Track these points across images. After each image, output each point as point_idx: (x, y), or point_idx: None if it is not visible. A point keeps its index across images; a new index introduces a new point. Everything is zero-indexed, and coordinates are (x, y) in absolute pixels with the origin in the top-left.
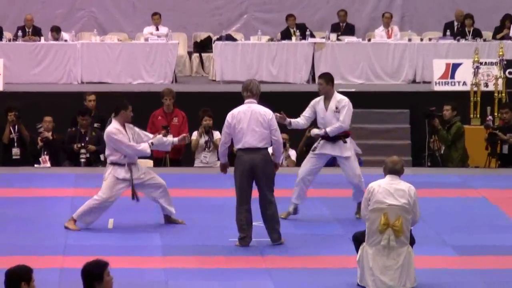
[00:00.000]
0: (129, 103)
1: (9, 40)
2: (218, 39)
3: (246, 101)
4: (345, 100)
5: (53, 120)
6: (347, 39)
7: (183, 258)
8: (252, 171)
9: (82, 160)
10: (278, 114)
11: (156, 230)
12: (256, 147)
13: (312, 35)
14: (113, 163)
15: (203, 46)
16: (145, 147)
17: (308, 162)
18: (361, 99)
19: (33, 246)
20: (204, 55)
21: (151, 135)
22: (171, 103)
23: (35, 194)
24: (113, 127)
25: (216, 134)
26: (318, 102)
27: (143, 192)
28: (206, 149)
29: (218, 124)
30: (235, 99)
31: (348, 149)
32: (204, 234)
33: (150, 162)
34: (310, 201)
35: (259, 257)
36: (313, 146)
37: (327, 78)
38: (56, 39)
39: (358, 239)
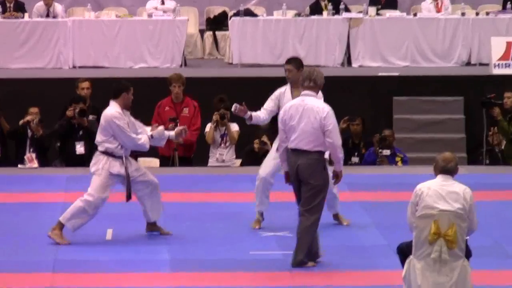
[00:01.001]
0: (130, 85)
1: None
2: (235, 15)
3: (303, 92)
4: None
5: (40, 111)
6: (388, 13)
7: (196, 274)
8: (297, 177)
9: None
10: (238, 105)
11: (163, 241)
12: (302, 149)
13: (347, 9)
14: (108, 153)
15: (218, 23)
16: (145, 140)
17: (271, 162)
18: (406, 85)
19: (17, 261)
20: (218, 33)
21: (146, 127)
22: (180, 91)
23: (19, 200)
24: (115, 110)
25: (233, 126)
26: (283, 92)
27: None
28: (222, 144)
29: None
30: (255, 86)
31: None
32: (220, 246)
33: (155, 162)
34: (347, 206)
35: (286, 273)
36: (278, 145)
37: (298, 63)
38: (48, 9)
39: (404, 251)
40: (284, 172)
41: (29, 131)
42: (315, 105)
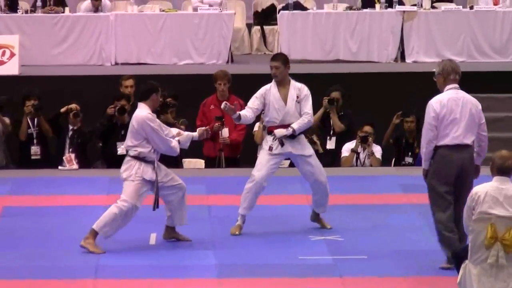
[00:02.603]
0: (159, 85)
1: (26, 12)
2: (284, 8)
3: (450, 86)
4: (306, 87)
5: (81, 109)
6: (444, 6)
7: (243, 280)
8: (458, 175)
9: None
10: (228, 104)
11: (209, 245)
12: (465, 144)
13: (401, 2)
14: (140, 159)
15: (266, 17)
16: (176, 144)
17: (266, 164)
18: (461, 81)
19: (58, 267)
20: (266, 28)
21: (173, 130)
22: (226, 89)
23: (59, 203)
24: (147, 112)
25: None
26: (269, 90)
27: (160, 194)
28: None
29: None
30: (305, 82)
31: (309, 146)
32: (268, 251)
33: (201, 162)
34: (398, 208)
35: (337, 279)
36: (269, 146)
37: (284, 59)
38: (97, 7)
39: (459, 256)
40: (424, 170)
41: (70, 128)
42: (471, 98)
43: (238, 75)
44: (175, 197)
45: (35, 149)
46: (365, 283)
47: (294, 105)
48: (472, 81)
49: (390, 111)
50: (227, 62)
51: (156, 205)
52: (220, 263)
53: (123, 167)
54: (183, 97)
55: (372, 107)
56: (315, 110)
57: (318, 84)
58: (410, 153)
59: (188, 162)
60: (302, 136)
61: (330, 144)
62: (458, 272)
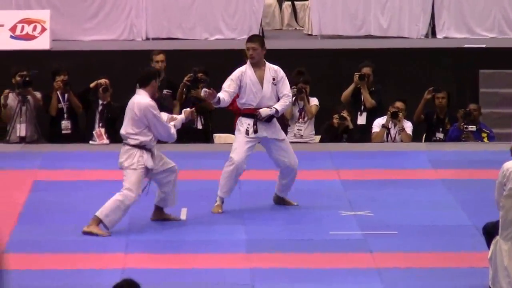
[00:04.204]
0: (157, 71)
1: None
2: None
3: None
4: (281, 69)
5: (111, 85)
6: None
7: (273, 255)
8: None
9: None
10: (207, 90)
11: (239, 221)
12: None
13: None
14: (141, 147)
15: None
16: (174, 130)
17: (244, 147)
18: (492, 57)
19: (89, 240)
20: (297, 3)
21: (162, 114)
22: None
23: (89, 177)
24: (149, 99)
25: (312, 101)
26: (245, 72)
27: (152, 178)
28: (300, 119)
29: (316, 88)
30: (336, 58)
31: (281, 131)
32: (298, 226)
33: (232, 137)
34: (428, 184)
35: (368, 254)
36: (245, 129)
37: (261, 41)
38: None
39: (490, 232)
40: None
41: (100, 103)
42: None
43: (268, 50)
44: (170, 180)
45: (65, 124)
46: (394, 258)
47: (271, 87)
48: (503, 57)
49: (421, 87)
50: None
51: (147, 189)
52: (250, 238)
53: (123, 156)
54: (213, 73)
55: (403, 83)
56: (346, 85)
57: (349, 59)
58: (441, 129)
59: (218, 137)
60: (275, 120)
61: (361, 120)
62: (488, 248)
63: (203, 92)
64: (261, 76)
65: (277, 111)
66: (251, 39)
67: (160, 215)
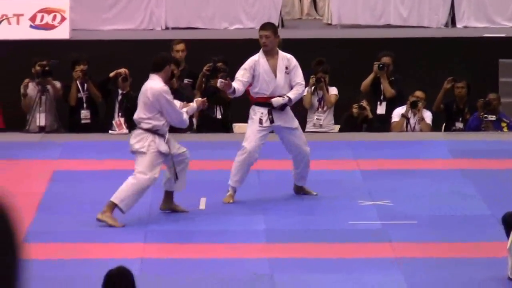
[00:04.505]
0: (171, 56)
1: None
2: None
3: None
4: (293, 57)
5: (130, 74)
6: None
7: (292, 245)
8: None
9: None
10: (223, 80)
11: (258, 210)
12: None
13: None
14: (153, 131)
15: None
16: (187, 117)
17: (257, 135)
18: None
19: (108, 231)
20: None
21: (177, 102)
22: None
23: (109, 167)
24: (162, 84)
25: (332, 90)
26: (258, 61)
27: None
28: (319, 108)
29: (335, 78)
30: (355, 47)
31: (295, 119)
32: (316, 216)
33: None
34: (447, 173)
35: (387, 244)
36: (259, 118)
37: (275, 29)
38: None
39: (509, 222)
40: None
41: (119, 92)
42: None
43: (288, 39)
44: (183, 164)
45: (85, 113)
46: (414, 248)
47: (284, 76)
48: None
49: (441, 77)
50: (278, 27)
51: (175, 177)
52: (269, 228)
53: (134, 139)
54: (233, 62)
55: (422, 73)
56: (365, 75)
57: (369, 49)
58: (460, 119)
59: (238, 127)
60: (289, 108)
61: (381, 109)
62: (508, 237)
63: (219, 82)
64: (274, 65)
65: (290, 99)
66: (264, 27)
67: (169, 205)
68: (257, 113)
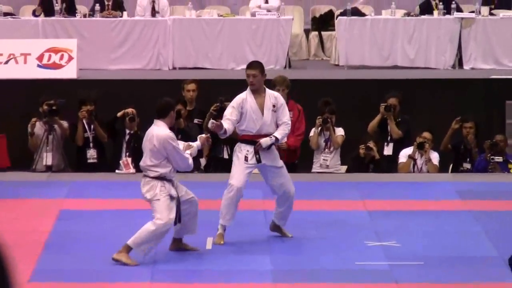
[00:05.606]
0: (175, 102)
1: (84, 16)
2: (341, 14)
3: None
4: (281, 96)
5: (138, 114)
6: (502, 13)
7: (299, 286)
8: None
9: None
10: (214, 122)
11: (265, 251)
12: None
13: (459, 9)
14: (161, 178)
15: (324, 23)
16: (191, 160)
17: (243, 173)
18: None
19: (114, 270)
20: (324, 33)
21: (179, 143)
22: (285, 94)
23: (116, 206)
24: (168, 131)
25: (338, 131)
26: (245, 100)
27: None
28: (326, 149)
29: (342, 119)
30: (363, 88)
31: (279, 158)
32: (325, 256)
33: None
34: (454, 214)
35: (393, 285)
36: (244, 156)
37: (262, 67)
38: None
39: None
40: None
41: (126, 132)
42: None
43: (295, 80)
44: (192, 210)
45: (91, 153)
46: None
47: (271, 114)
48: None
49: (448, 118)
50: (285, 67)
51: (178, 219)
52: (276, 268)
53: (145, 188)
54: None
55: (429, 114)
56: (372, 116)
57: (376, 90)
58: (468, 159)
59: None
60: (274, 148)
61: (388, 150)
62: None
63: (210, 124)
64: (261, 103)
65: (277, 139)
66: (251, 65)
67: (177, 245)
68: (243, 150)
